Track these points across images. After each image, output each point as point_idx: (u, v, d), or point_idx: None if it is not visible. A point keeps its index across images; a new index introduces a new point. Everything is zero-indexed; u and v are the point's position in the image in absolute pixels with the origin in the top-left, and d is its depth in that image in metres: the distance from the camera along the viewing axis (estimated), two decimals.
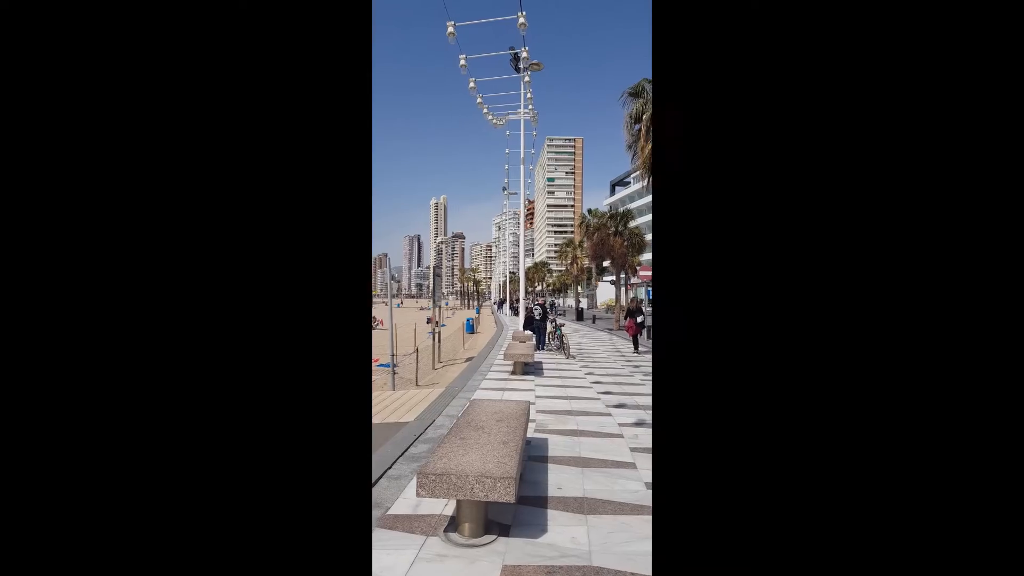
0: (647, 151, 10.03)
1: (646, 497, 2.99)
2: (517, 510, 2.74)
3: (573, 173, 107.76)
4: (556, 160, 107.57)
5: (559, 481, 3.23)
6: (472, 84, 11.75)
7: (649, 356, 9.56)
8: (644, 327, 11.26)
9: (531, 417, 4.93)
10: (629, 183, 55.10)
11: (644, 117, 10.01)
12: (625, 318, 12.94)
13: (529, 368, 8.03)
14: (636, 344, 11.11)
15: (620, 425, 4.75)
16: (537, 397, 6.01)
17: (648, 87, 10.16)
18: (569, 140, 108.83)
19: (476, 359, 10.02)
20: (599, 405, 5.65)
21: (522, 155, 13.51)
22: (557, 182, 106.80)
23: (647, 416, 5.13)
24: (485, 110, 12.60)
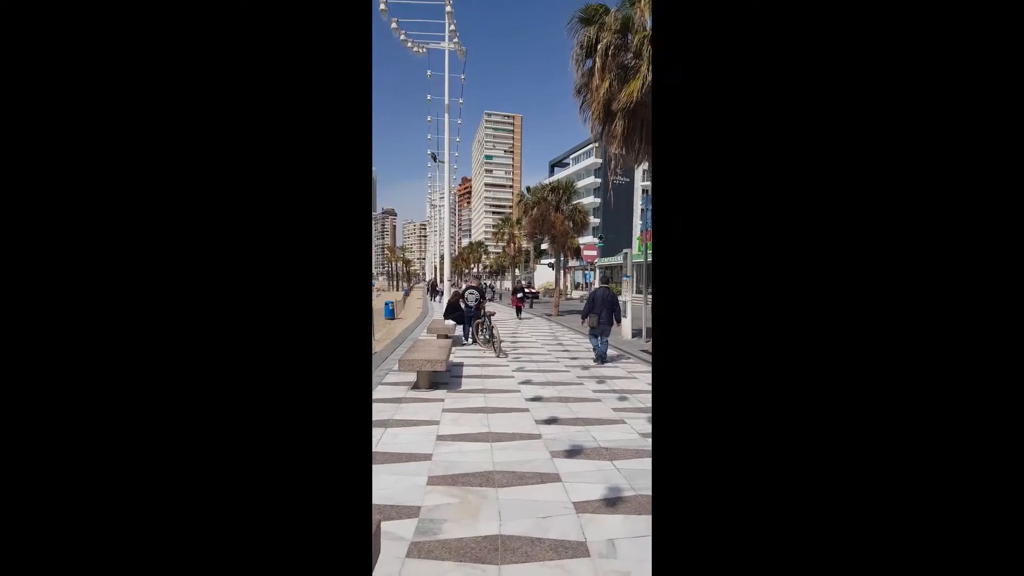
0: (602, 92, 7.92)
1: None
2: None
3: (512, 152, 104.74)
4: (495, 137, 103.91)
5: None
6: (383, 6, 9.02)
7: (565, 334, 7.70)
8: (526, 300, 16.02)
9: (417, 502, 2.61)
10: (568, 164, 53.75)
11: (599, 47, 7.84)
12: (512, 294, 16.75)
13: (440, 378, 5.67)
14: (519, 312, 15.45)
15: (578, 509, 2.56)
16: (439, 439, 3.69)
17: (603, 12, 8.00)
18: (508, 117, 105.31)
19: (375, 358, 7.50)
20: (539, 452, 3.44)
21: (446, 100, 10.86)
22: (495, 160, 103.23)
23: (619, 477, 2.98)
24: (402, 36, 9.85)
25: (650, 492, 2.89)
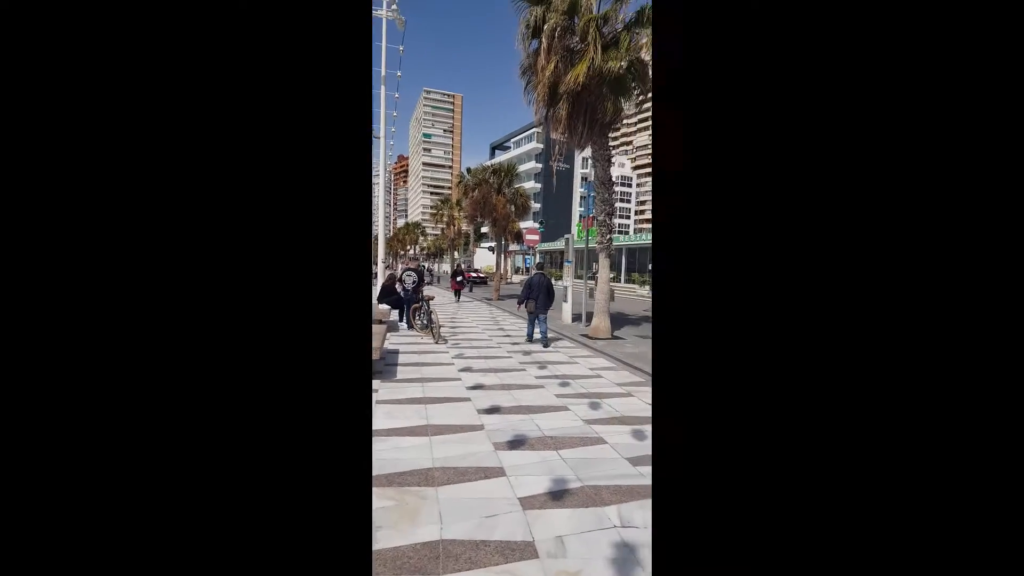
0: (548, 74, 7.73)
1: None
2: None
3: (452, 132, 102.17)
4: (434, 115, 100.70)
5: None
6: None
7: (506, 319, 7.83)
8: (464, 284, 16.25)
9: None
10: (510, 147, 53.48)
11: (546, 28, 7.62)
12: (451, 277, 16.82)
13: (373, 367, 5.34)
14: (458, 295, 15.71)
15: (524, 505, 2.44)
16: (372, 434, 3.42)
17: None
18: (448, 95, 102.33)
19: None
20: (482, 444, 3.29)
21: (383, 71, 10.15)
22: (434, 139, 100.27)
23: (565, 468, 2.91)
24: None
25: (597, 483, 2.81)
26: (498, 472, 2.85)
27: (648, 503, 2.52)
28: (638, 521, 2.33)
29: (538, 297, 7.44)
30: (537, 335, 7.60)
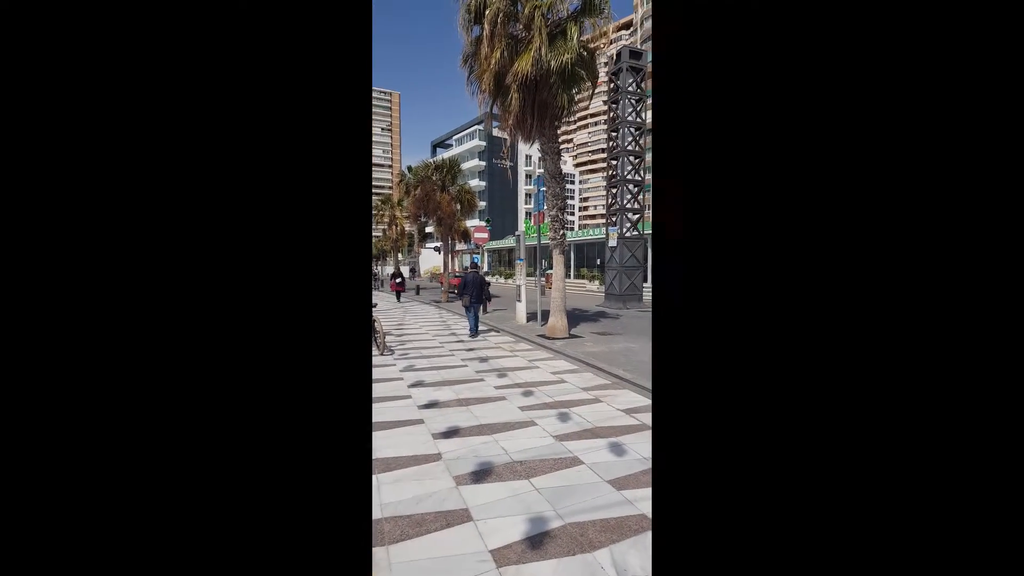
0: (492, 62, 7.27)
1: None
2: None
3: (390, 130, 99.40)
4: (372, 114, 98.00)
5: None
6: None
7: (458, 322, 8.00)
8: (404, 286, 17.00)
9: None
10: (451, 144, 52.53)
11: (488, 13, 7.13)
12: (392, 278, 17.76)
13: None
14: (399, 296, 16.74)
15: (497, 560, 2.00)
16: None
17: None
18: (385, 93, 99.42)
19: None
20: (440, 479, 2.81)
21: None
22: (373, 139, 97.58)
23: (541, 501, 2.50)
24: None
25: (580, 518, 2.35)
26: (462, 516, 2.39)
27: (643, 539, 2.16)
28: (636, 566, 1.96)
29: (472, 292, 8.54)
30: (470, 325, 8.63)
